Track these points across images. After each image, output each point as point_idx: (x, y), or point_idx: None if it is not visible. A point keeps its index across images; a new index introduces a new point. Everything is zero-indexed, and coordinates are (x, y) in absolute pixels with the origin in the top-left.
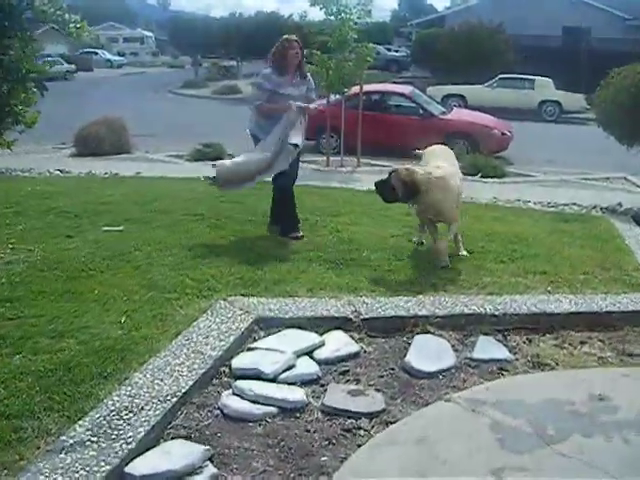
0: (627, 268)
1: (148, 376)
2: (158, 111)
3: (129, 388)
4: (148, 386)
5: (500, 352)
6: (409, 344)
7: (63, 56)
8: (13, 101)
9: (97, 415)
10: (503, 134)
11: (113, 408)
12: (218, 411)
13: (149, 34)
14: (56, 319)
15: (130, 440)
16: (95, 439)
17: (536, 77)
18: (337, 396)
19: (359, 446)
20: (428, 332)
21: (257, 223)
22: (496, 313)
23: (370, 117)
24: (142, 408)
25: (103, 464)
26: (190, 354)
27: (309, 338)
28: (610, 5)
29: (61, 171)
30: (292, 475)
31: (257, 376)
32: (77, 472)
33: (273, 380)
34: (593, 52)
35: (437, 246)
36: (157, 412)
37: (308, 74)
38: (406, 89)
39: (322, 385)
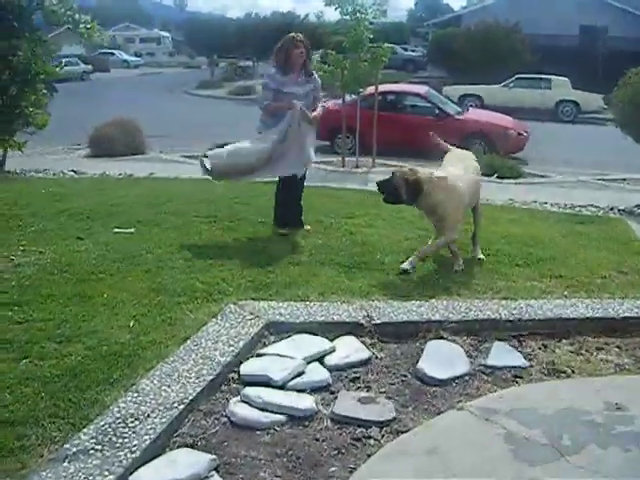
0: None
1: (155, 382)
2: (173, 111)
3: (135, 395)
4: (155, 393)
5: (515, 359)
6: (422, 350)
7: (80, 57)
8: (23, 103)
9: (102, 422)
10: (519, 134)
11: (119, 415)
12: (226, 419)
13: (166, 34)
14: (64, 323)
15: (135, 449)
16: (99, 447)
17: (553, 77)
18: (347, 404)
19: (369, 456)
20: (441, 338)
21: (270, 225)
22: (511, 318)
23: (385, 117)
24: (148, 415)
25: (107, 473)
26: (198, 360)
27: (319, 344)
28: (628, 4)
29: (75, 172)
30: None
31: (266, 383)
32: None
33: (282, 387)
34: (610, 51)
35: (425, 250)
36: (163, 420)
37: (314, 72)
38: (422, 89)
39: (332, 392)
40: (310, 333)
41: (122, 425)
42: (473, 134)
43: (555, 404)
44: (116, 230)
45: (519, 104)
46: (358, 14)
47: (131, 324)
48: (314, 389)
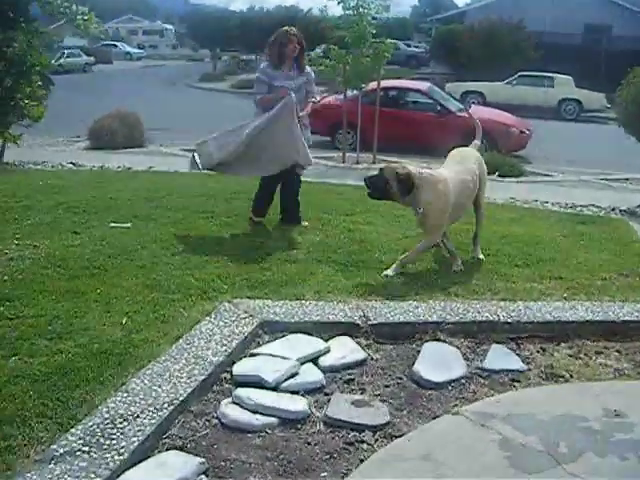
0: None
1: (146, 382)
2: (175, 104)
3: (125, 394)
4: (145, 393)
5: (513, 362)
6: (418, 352)
7: (82, 48)
8: (18, 95)
9: (90, 423)
10: (522, 132)
11: (107, 416)
12: (216, 420)
13: (169, 27)
14: (56, 319)
15: (123, 450)
16: (87, 449)
17: (556, 75)
18: (341, 407)
19: (361, 461)
20: (438, 339)
21: (268, 221)
22: (509, 320)
23: (387, 113)
24: (137, 416)
25: (93, 476)
26: (190, 359)
27: (314, 344)
28: (632, 3)
29: (74, 164)
30: None
31: (258, 384)
32: None
33: (275, 388)
34: (614, 50)
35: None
36: (153, 421)
37: (307, 67)
38: (423, 85)
39: (326, 394)
40: (305, 333)
41: (110, 426)
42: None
43: (553, 410)
44: (112, 224)
45: (522, 102)
46: (361, 9)
47: (124, 321)
48: (308, 391)
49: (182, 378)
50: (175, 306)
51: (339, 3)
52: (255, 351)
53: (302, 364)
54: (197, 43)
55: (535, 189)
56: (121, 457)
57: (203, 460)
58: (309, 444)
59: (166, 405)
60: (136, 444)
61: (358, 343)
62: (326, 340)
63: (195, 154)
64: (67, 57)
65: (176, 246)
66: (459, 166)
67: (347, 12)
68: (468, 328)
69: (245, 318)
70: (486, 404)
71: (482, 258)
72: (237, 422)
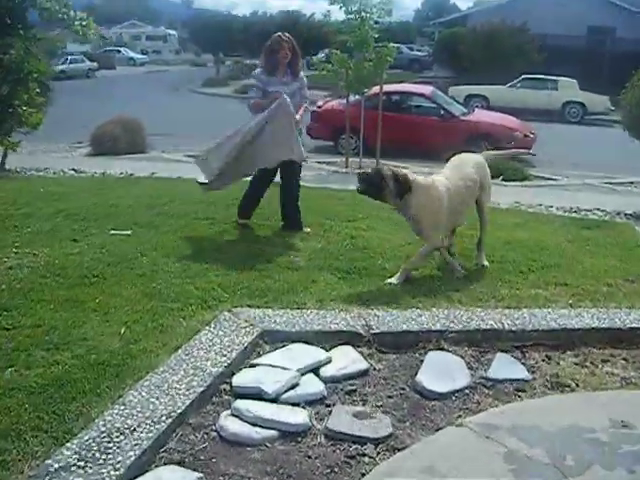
0: None
1: (143, 394)
2: (177, 110)
3: (122, 407)
4: (142, 405)
5: (517, 371)
6: (421, 361)
7: (86, 54)
8: (16, 102)
9: (86, 437)
10: (526, 136)
11: (104, 429)
12: (215, 433)
13: (172, 32)
14: (53, 330)
15: (119, 465)
16: (82, 464)
17: (560, 78)
18: (342, 419)
19: (363, 475)
20: (442, 348)
21: (270, 227)
22: (514, 328)
23: (390, 118)
24: (134, 429)
25: None
26: (189, 370)
27: (315, 354)
28: (636, 5)
29: (75, 171)
30: None
31: (258, 395)
32: None
33: (275, 400)
34: (618, 52)
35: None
36: (150, 434)
37: (301, 72)
38: (426, 89)
39: (327, 405)
40: (306, 342)
41: (107, 440)
42: (478, 135)
43: (558, 420)
44: (112, 232)
45: (525, 105)
46: (363, 13)
47: (122, 331)
48: (308, 402)
49: (180, 390)
50: (174, 315)
51: (341, 7)
52: (255, 361)
53: (303, 375)
54: (200, 48)
55: (539, 193)
56: (117, 472)
57: (201, 475)
58: (309, 458)
59: (164, 418)
60: (133, 459)
61: (360, 353)
62: (328, 350)
63: (199, 179)
64: (70, 63)
65: (177, 254)
66: (454, 172)
67: (349, 16)
68: (472, 336)
69: (245, 327)
70: (490, 415)
71: (486, 265)
72: (236, 435)
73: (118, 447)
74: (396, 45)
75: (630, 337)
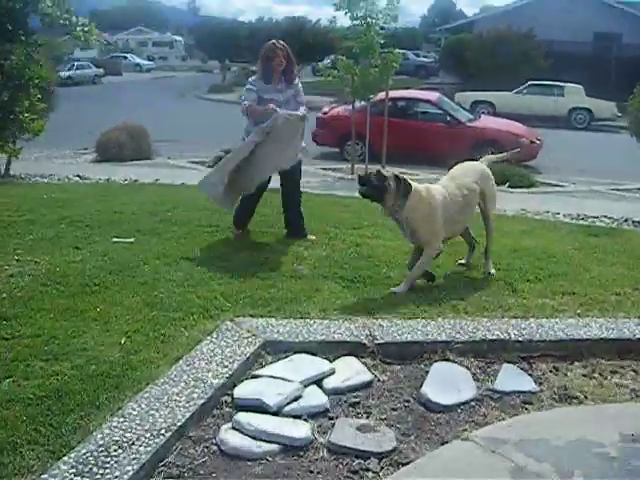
0: None
1: (143, 406)
2: (183, 116)
3: (121, 419)
4: (142, 418)
5: (524, 383)
6: (426, 372)
7: (92, 60)
8: (17, 108)
9: (84, 450)
10: (532, 142)
11: (102, 442)
12: (215, 447)
13: (178, 38)
14: (53, 339)
15: None
16: (79, 478)
17: (566, 84)
18: (345, 432)
19: None
20: (447, 359)
21: (274, 235)
22: (521, 339)
23: (396, 124)
24: (133, 443)
25: None
26: (190, 382)
27: (318, 365)
28: None
29: (80, 177)
30: None
31: (260, 408)
32: None
33: (277, 413)
34: (624, 58)
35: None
36: (149, 448)
37: (297, 79)
38: (433, 95)
39: (330, 418)
40: (309, 353)
41: (104, 454)
42: (485, 142)
43: (567, 434)
44: (115, 239)
45: (532, 111)
46: (369, 19)
47: (122, 341)
48: (311, 415)
49: (181, 402)
50: (176, 325)
51: (346, 13)
52: (257, 372)
53: (306, 386)
54: (206, 54)
55: (546, 200)
56: None
57: None
58: (312, 472)
59: (163, 431)
60: (131, 473)
61: (364, 364)
62: (331, 360)
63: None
64: (77, 69)
65: (179, 262)
66: (452, 180)
67: (355, 22)
68: (478, 347)
69: (248, 338)
70: (497, 428)
71: (493, 273)
72: (237, 449)
73: (116, 461)
74: (402, 51)
75: (639, 348)
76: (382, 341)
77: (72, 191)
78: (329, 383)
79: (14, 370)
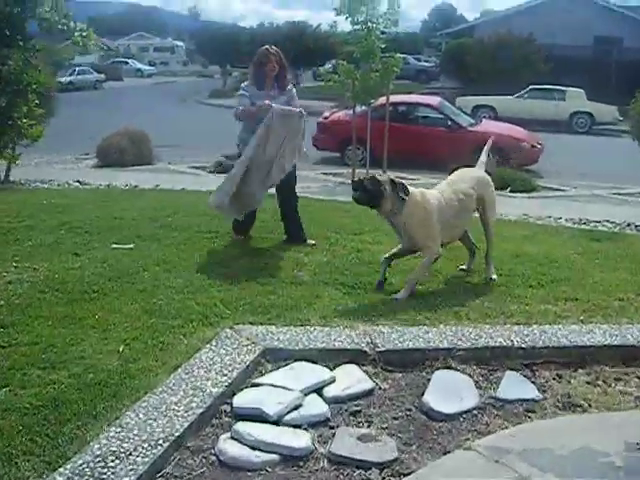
0: None
1: (141, 416)
2: (184, 121)
3: (118, 429)
4: (140, 427)
5: (527, 390)
6: (428, 380)
7: (93, 66)
8: (15, 114)
9: (80, 461)
10: (533, 147)
11: (99, 453)
12: (214, 457)
13: (179, 44)
14: (50, 347)
15: None
16: None
17: (567, 88)
18: (346, 442)
19: None
20: (449, 367)
21: (274, 241)
22: (524, 346)
23: (397, 129)
24: (130, 453)
25: None
26: (189, 390)
27: (319, 373)
28: None
29: (80, 182)
30: None
31: (259, 417)
32: None
33: (276, 422)
34: (625, 62)
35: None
36: (146, 459)
37: (290, 85)
38: (434, 100)
39: (331, 427)
40: (310, 361)
41: (101, 464)
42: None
43: (570, 443)
44: (114, 246)
45: (533, 115)
46: (369, 24)
47: (121, 349)
48: (311, 424)
49: (179, 411)
50: (175, 333)
51: (347, 18)
52: (257, 381)
53: (306, 395)
54: (207, 59)
55: (548, 204)
56: None
57: None
58: None
59: (161, 441)
60: None
61: (365, 371)
62: (332, 368)
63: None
64: (78, 74)
65: (178, 268)
66: (448, 186)
67: (355, 27)
68: (481, 354)
69: (247, 345)
70: (500, 437)
71: (495, 278)
72: (236, 459)
73: (113, 472)
74: (403, 56)
75: None
76: (383, 348)
77: (72, 197)
78: (330, 391)
79: (11, 379)
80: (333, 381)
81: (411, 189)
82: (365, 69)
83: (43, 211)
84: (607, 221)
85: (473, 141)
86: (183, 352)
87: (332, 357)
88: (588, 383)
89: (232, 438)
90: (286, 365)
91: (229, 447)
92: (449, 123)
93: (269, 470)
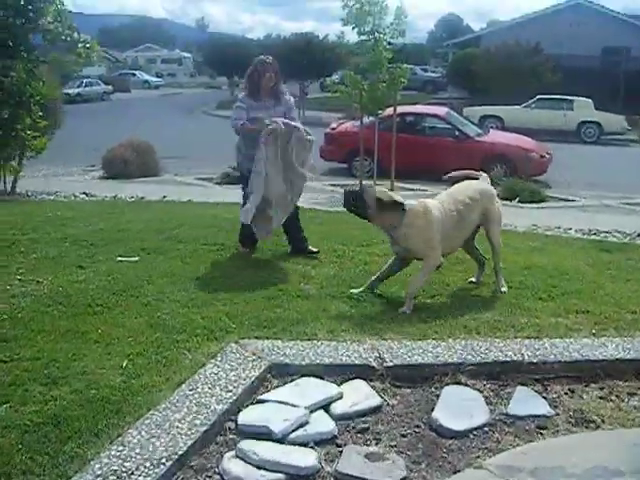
0: None
1: (143, 434)
2: (190, 132)
3: (120, 448)
4: (142, 446)
5: (539, 406)
6: (437, 396)
7: (101, 77)
8: (19, 126)
9: None
10: (542, 157)
11: (99, 472)
12: (218, 477)
13: (187, 55)
14: (53, 362)
15: None
16: None
17: (575, 98)
18: (353, 461)
19: None
20: (459, 382)
21: (279, 253)
22: (535, 360)
23: (404, 139)
24: (132, 473)
25: None
26: (193, 407)
27: (326, 389)
28: None
29: (86, 194)
30: None
31: (265, 435)
32: None
33: (282, 440)
34: (633, 72)
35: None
36: (148, 478)
37: (286, 95)
38: (441, 110)
39: (338, 445)
40: (316, 376)
41: None
42: (494, 157)
43: (584, 462)
44: (119, 258)
45: (541, 125)
46: (376, 34)
47: (124, 364)
48: (318, 442)
49: (183, 429)
50: (179, 347)
51: (354, 29)
52: (263, 397)
53: (312, 412)
54: (215, 71)
55: (557, 215)
56: None
57: None
58: None
59: (164, 460)
60: None
61: (373, 387)
62: (339, 384)
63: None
64: (86, 86)
65: (183, 281)
66: (449, 197)
67: (362, 37)
68: (491, 369)
69: (253, 360)
70: (511, 455)
71: (505, 291)
72: (240, 479)
73: None
74: (410, 66)
75: None
76: (391, 364)
77: (78, 209)
78: (337, 408)
79: (12, 395)
80: (340, 397)
81: (409, 201)
82: (372, 80)
83: (48, 223)
84: (617, 231)
85: (481, 151)
86: (187, 367)
87: (339, 372)
88: (601, 398)
89: (237, 457)
90: (292, 381)
91: (233, 466)
92: (456, 133)
93: None
